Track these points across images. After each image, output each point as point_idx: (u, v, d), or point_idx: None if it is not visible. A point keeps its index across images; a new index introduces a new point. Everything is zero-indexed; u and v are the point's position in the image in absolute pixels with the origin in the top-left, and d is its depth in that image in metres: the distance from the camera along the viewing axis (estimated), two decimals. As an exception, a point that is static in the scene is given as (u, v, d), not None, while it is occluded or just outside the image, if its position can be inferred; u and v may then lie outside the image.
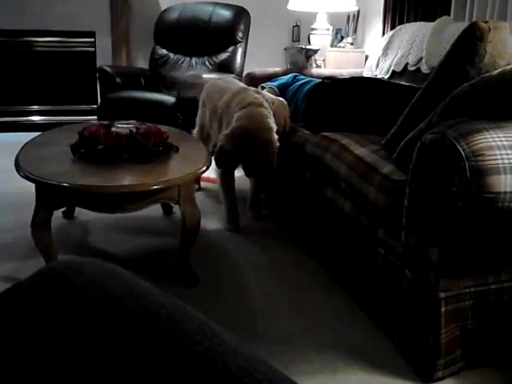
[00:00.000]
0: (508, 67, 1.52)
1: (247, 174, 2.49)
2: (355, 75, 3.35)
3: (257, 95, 2.55)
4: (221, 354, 0.43)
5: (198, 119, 3.08)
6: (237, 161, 2.46)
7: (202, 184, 3.23)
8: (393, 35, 3.46)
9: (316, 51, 4.12)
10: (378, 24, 4.48)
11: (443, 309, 1.50)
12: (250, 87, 2.86)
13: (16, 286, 0.49)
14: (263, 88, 3.09)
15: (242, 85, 2.98)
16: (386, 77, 3.32)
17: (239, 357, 0.44)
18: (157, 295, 0.48)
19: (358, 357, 1.67)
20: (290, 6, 4.19)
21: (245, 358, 0.44)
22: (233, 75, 3.87)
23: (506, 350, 1.62)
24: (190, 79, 3.73)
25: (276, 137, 2.41)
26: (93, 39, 4.66)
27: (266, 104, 2.52)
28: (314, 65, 4.14)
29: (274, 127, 2.44)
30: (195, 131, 3.07)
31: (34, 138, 2.42)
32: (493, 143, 1.39)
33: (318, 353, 1.69)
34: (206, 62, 4.23)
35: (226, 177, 2.68)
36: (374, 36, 4.62)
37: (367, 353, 1.69)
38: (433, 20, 3.20)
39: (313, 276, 2.21)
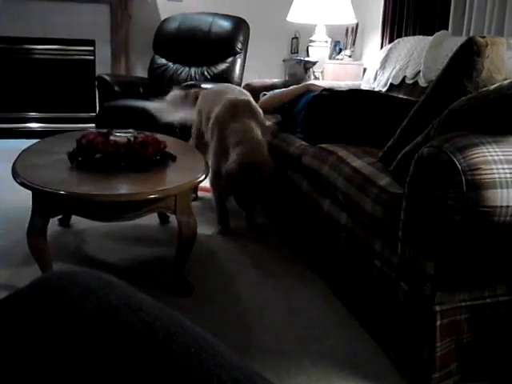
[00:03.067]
0: (505, 82, 1.53)
1: (241, 205, 2.56)
2: (353, 87, 3.36)
3: (251, 123, 2.57)
4: (216, 366, 0.43)
5: (193, 129, 3.05)
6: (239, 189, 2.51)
7: (200, 194, 3.23)
8: (391, 48, 3.49)
9: (314, 63, 4.14)
10: (376, 37, 4.51)
11: (439, 322, 1.50)
12: (243, 90, 2.92)
13: (10, 296, 0.49)
14: (264, 95, 3.14)
15: (238, 89, 2.98)
16: (384, 90, 3.33)
17: (234, 370, 0.43)
18: (152, 306, 0.48)
19: (353, 369, 1.66)
20: (289, 18, 4.21)
21: (240, 370, 0.44)
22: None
23: (502, 363, 1.62)
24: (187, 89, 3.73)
25: (271, 167, 2.49)
26: (92, 47, 4.68)
27: (260, 134, 2.57)
28: (313, 77, 4.16)
29: (269, 159, 2.52)
30: (191, 141, 3.04)
31: (32, 145, 2.42)
32: (489, 157, 1.40)
33: (314, 364, 1.68)
34: (205, 73, 4.24)
35: (217, 183, 2.73)
36: (372, 49, 4.66)
37: (362, 365, 1.69)
38: (431, 34, 3.22)
39: (309, 287, 2.20)
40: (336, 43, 4.83)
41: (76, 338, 0.43)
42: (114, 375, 0.41)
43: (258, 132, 2.56)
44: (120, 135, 2.19)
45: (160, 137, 2.28)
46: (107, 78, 4.07)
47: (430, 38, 3.11)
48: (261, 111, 2.76)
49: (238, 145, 2.49)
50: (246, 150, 2.46)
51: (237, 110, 2.63)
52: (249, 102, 2.73)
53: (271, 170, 2.50)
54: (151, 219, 2.68)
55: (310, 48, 4.43)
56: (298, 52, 4.98)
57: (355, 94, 2.66)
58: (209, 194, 3.14)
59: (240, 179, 2.42)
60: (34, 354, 0.43)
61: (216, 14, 4.35)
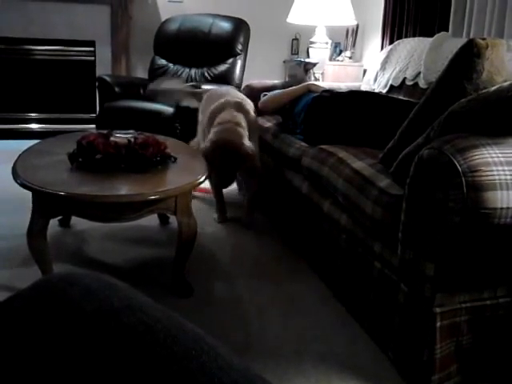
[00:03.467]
0: (505, 84, 1.53)
1: (223, 184, 2.74)
2: (353, 89, 3.36)
3: (236, 113, 2.73)
4: (216, 368, 0.43)
5: (199, 128, 3.10)
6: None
7: (197, 194, 3.22)
8: (391, 50, 3.49)
9: (315, 64, 4.14)
10: (376, 38, 4.51)
11: (438, 324, 1.50)
12: (242, 96, 3.01)
13: (11, 298, 0.49)
14: (265, 95, 3.16)
15: (240, 95, 3.03)
16: (384, 91, 3.33)
17: (235, 372, 0.43)
18: (153, 309, 0.48)
19: (352, 370, 1.66)
20: (290, 19, 4.21)
21: (240, 372, 0.44)
22: (231, 87, 3.88)
23: (502, 365, 1.62)
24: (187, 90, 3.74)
25: (250, 149, 2.60)
26: (93, 48, 4.67)
27: (243, 123, 2.70)
28: (313, 78, 4.16)
29: (248, 143, 2.62)
30: (197, 139, 3.10)
31: (32, 146, 2.42)
32: (489, 159, 1.40)
33: (313, 366, 1.68)
34: (205, 74, 4.24)
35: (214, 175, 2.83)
36: (373, 50, 4.66)
37: (362, 366, 1.69)
38: (431, 35, 3.22)
39: (309, 288, 2.20)
40: (336, 44, 4.82)
41: (76, 340, 0.43)
42: (115, 377, 0.41)
43: (240, 120, 2.69)
44: (120, 136, 2.19)
45: (160, 138, 2.28)
46: (107, 78, 4.07)
47: (430, 39, 3.11)
48: (253, 113, 2.88)
49: (215, 126, 2.67)
50: (220, 130, 2.62)
51: (226, 106, 2.78)
52: (240, 102, 2.84)
53: (253, 161, 2.64)
54: (151, 220, 2.68)
55: (310, 49, 4.43)
56: (298, 53, 4.98)
57: (355, 96, 2.66)
58: (207, 195, 3.15)
59: (214, 156, 2.52)
60: (34, 355, 0.43)
61: (216, 15, 4.35)
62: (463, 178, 1.37)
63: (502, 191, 1.39)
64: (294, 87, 3.09)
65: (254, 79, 3.75)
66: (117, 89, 4.00)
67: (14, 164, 2.07)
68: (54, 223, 2.45)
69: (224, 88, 3.37)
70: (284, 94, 3.08)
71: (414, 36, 3.70)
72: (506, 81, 1.62)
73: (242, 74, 4.22)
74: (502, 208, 1.39)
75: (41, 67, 4.68)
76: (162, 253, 2.49)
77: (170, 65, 4.36)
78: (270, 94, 3.18)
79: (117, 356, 0.42)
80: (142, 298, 0.49)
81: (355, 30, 4.75)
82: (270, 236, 2.76)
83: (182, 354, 0.43)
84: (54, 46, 4.64)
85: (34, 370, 0.42)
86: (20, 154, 2.23)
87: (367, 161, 2.03)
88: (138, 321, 0.45)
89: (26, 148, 2.36)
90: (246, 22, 4.27)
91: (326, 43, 4.37)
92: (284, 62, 4.95)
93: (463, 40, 1.91)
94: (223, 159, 2.54)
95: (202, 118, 3.05)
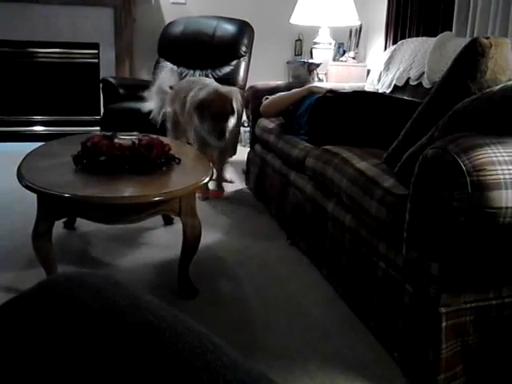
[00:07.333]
0: (509, 83, 1.53)
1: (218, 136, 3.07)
2: (357, 89, 3.36)
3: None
4: (222, 367, 0.43)
5: (169, 124, 3.47)
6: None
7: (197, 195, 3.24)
8: (395, 50, 3.48)
9: (318, 65, 4.14)
10: (380, 38, 4.50)
11: (444, 324, 1.50)
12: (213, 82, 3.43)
13: (17, 297, 0.49)
14: (267, 99, 3.17)
15: (209, 81, 3.42)
16: (388, 91, 3.33)
17: (240, 370, 0.44)
18: (159, 308, 0.48)
19: (358, 371, 1.66)
20: (293, 21, 4.21)
21: (246, 371, 0.44)
22: (235, 88, 3.89)
23: (507, 366, 1.61)
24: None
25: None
26: (97, 51, 4.69)
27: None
28: (316, 78, 4.16)
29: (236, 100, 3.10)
30: (169, 134, 3.42)
31: (37, 149, 2.43)
32: (494, 158, 1.39)
33: (318, 366, 1.68)
34: (210, 75, 4.24)
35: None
36: (376, 50, 4.65)
37: (367, 367, 1.68)
38: (435, 35, 3.22)
39: (314, 288, 2.20)
40: (340, 45, 4.82)
41: (84, 339, 0.44)
42: (122, 374, 0.41)
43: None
44: (125, 138, 2.20)
45: (164, 139, 2.29)
46: (112, 80, 4.08)
47: (434, 39, 3.11)
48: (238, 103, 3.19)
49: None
50: (209, 92, 3.09)
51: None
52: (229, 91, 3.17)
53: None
54: (156, 221, 2.68)
55: (313, 50, 4.43)
56: (301, 54, 4.98)
57: (359, 96, 2.66)
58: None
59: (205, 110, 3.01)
60: (41, 354, 0.43)
61: (221, 18, 4.36)
62: (468, 178, 1.37)
63: (506, 190, 1.38)
64: (294, 90, 3.10)
65: (257, 80, 3.75)
66: (121, 91, 4.01)
67: (19, 166, 2.08)
68: (58, 225, 2.45)
69: (189, 79, 3.77)
70: (285, 97, 3.08)
71: (417, 36, 3.69)
72: (510, 80, 1.62)
73: (246, 76, 4.22)
74: (506, 207, 1.38)
75: (45, 70, 4.70)
76: (167, 254, 2.50)
77: (175, 67, 4.37)
78: (271, 97, 3.18)
79: (123, 354, 0.43)
80: (148, 297, 0.50)
81: (359, 31, 4.75)
82: (274, 237, 2.76)
83: (187, 352, 0.43)
84: (59, 48, 4.66)
85: (42, 370, 0.43)
86: (25, 157, 2.24)
87: (371, 161, 2.02)
88: (143, 319, 0.45)
89: (30, 150, 2.36)
90: (250, 24, 4.27)
91: (330, 44, 4.37)
92: (287, 62, 4.95)
93: (467, 39, 1.91)
94: (215, 110, 2.97)
95: (172, 108, 3.39)
